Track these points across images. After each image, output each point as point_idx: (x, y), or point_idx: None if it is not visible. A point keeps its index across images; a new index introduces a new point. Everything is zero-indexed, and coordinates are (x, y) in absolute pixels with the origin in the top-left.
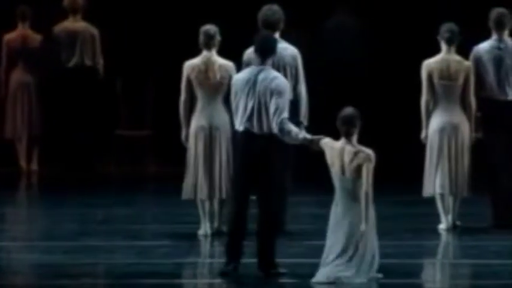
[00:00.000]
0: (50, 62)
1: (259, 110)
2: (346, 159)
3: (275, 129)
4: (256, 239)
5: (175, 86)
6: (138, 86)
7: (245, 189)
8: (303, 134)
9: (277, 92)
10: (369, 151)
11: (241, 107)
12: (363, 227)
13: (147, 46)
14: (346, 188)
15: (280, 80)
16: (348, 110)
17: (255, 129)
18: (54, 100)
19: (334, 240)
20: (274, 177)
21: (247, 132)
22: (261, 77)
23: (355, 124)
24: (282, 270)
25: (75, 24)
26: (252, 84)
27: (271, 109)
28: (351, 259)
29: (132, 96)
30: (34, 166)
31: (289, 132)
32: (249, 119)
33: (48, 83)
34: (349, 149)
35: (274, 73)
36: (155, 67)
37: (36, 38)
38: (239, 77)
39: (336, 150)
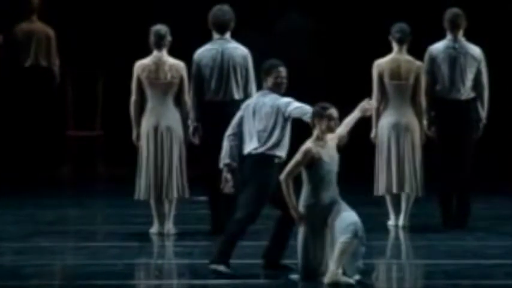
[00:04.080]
0: (9, 63)
1: (264, 133)
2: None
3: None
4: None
5: (125, 86)
6: (88, 86)
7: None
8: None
9: (281, 109)
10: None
11: (245, 131)
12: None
13: (96, 47)
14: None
15: (277, 101)
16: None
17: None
18: (8, 100)
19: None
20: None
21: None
22: (258, 102)
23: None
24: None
25: (31, 24)
26: (252, 109)
27: (297, 114)
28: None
29: (81, 97)
30: None
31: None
32: (266, 140)
33: (4, 83)
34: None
35: (270, 97)
36: (104, 67)
37: None
38: (247, 103)
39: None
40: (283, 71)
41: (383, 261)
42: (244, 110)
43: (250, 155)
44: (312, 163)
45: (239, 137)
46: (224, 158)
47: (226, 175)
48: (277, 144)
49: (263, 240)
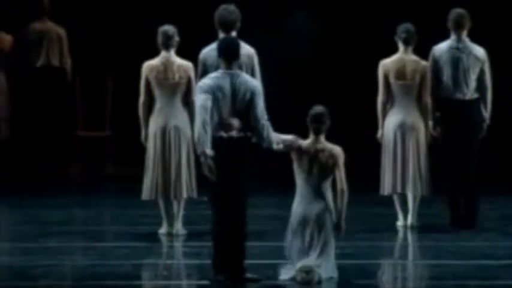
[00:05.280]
0: (20, 63)
1: (241, 114)
2: (314, 157)
3: (263, 131)
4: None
5: (134, 87)
6: (97, 86)
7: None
8: (277, 146)
9: (257, 93)
10: (338, 148)
11: (217, 113)
12: (343, 225)
13: (105, 47)
14: (312, 186)
15: (256, 82)
16: (318, 108)
17: (238, 133)
18: (21, 100)
19: (297, 239)
20: (248, 181)
21: (231, 138)
22: (237, 82)
23: (325, 121)
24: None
25: (42, 25)
26: (230, 90)
27: (258, 112)
28: (318, 255)
29: (91, 98)
30: None
31: (270, 140)
32: (245, 122)
33: (16, 83)
34: (317, 147)
35: (247, 76)
36: (114, 68)
37: (6, 38)
38: (211, 84)
39: (303, 148)
40: None
41: (390, 262)
42: (214, 91)
43: (231, 138)
44: None
45: (211, 120)
46: (206, 145)
47: (211, 164)
48: (249, 125)
49: (267, 241)
